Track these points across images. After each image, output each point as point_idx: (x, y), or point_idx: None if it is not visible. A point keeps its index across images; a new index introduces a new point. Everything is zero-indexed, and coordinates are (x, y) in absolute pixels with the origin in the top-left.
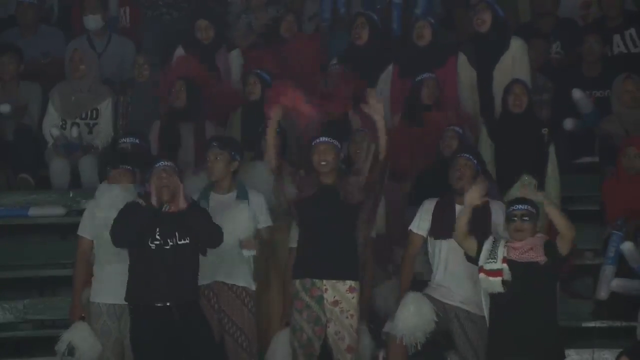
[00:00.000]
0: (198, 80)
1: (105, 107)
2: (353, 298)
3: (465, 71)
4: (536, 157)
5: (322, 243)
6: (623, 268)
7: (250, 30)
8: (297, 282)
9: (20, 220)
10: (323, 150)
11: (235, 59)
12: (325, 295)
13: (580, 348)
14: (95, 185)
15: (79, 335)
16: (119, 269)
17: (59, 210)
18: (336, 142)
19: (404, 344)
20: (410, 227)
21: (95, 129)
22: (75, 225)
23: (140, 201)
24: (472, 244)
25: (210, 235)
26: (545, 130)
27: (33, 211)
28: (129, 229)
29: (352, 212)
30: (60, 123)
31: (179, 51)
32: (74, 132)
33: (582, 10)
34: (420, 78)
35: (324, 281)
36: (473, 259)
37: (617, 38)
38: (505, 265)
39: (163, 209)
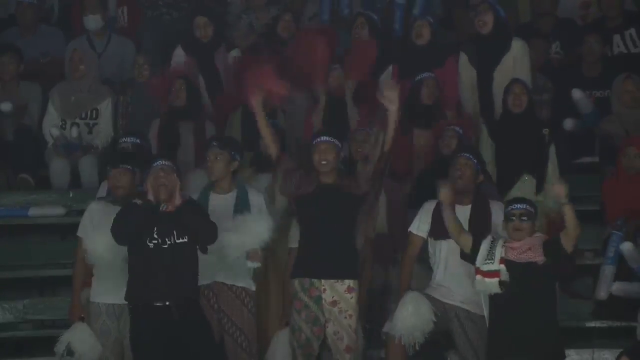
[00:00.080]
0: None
1: (105, 107)
2: (352, 298)
3: (466, 71)
4: (536, 157)
5: (320, 242)
6: (623, 269)
7: (250, 30)
8: (296, 282)
9: (20, 220)
10: (324, 149)
11: (234, 59)
12: (323, 296)
13: (580, 348)
14: (95, 185)
15: (78, 337)
16: (119, 268)
17: (59, 210)
18: (337, 142)
19: (402, 343)
20: (410, 229)
21: (95, 129)
22: (75, 225)
23: (138, 201)
24: (467, 240)
25: (204, 231)
26: (546, 131)
27: (33, 211)
28: (128, 226)
29: (352, 210)
30: (60, 123)
31: (178, 51)
32: (74, 132)
33: (581, 10)
34: (419, 78)
35: (322, 281)
36: (468, 257)
37: (617, 38)
38: (502, 266)
39: (160, 208)
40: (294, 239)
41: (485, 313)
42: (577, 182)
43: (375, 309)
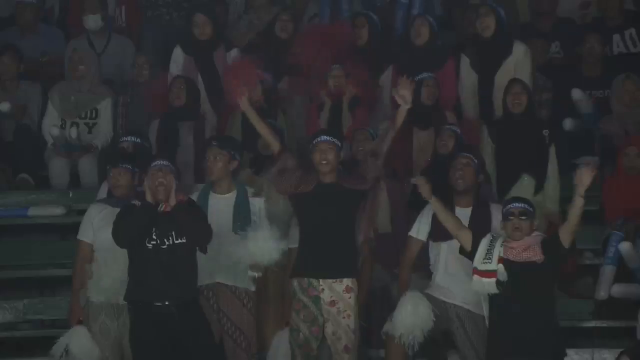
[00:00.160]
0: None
1: (105, 107)
2: (350, 298)
3: (468, 75)
4: (536, 158)
5: (319, 242)
6: (624, 269)
7: (250, 30)
8: (295, 282)
9: (20, 220)
10: (324, 149)
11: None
12: (322, 296)
13: (580, 348)
14: (94, 185)
15: (76, 340)
16: (118, 268)
17: (59, 210)
18: (337, 142)
19: (402, 343)
20: (410, 233)
21: (94, 128)
22: (75, 225)
23: (137, 202)
24: (466, 235)
25: (196, 232)
26: (546, 132)
27: (33, 211)
28: (129, 229)
29: (351, 210)
30: (60, 123)
31: (177, 50)
32: (73, 132)
33: (581, 10)
34: (419, 78)
35: (321, 281)
36: (467, 254)
37: (617, 38)
38: (500, 266)
39: (159, 208)
40: (293, 239)
41: (485, 313)
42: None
43: (376, 309)
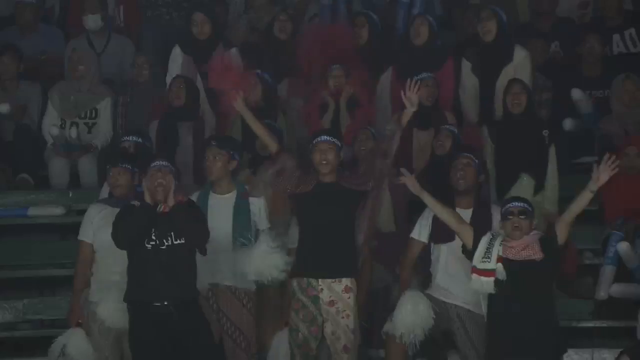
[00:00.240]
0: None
1: (105, 107)
2: (349, 298)
3: (469, 80)
4: (536, 158)
5: (318, 242)
6: (623, 269)
7: (249, 29)
8: (294, 282)
9: (20, 220)
10: (324, 149)
11: (233, 58)
12: (321, 296)
13: (580, 348)
14: (94, 185)
15: (73, 342)
16: (118, 268)
17: (59, 210)
18: (337, 142)
19: (402, 342)
20: (411, 235)
21: (94, 128)
22: (75, 225)
23: (136, 202)
24: (467, 231)
25: (191, 233)
26: (546, 132)
27: (32, 211)
28: (129, 230)
29: (351, 210)
30: (60, 123)
31: (176, 50)
32: (73, 133)
33: (580, 9)
34: (419, 78)
35: (320, 281)
36: (469, 254)
37: (617, 38)
38: (499, 265)
39: (158, 209)
40: (293, 239)
41: (485, 313)
42: (577, 182)
43: (378, 310)
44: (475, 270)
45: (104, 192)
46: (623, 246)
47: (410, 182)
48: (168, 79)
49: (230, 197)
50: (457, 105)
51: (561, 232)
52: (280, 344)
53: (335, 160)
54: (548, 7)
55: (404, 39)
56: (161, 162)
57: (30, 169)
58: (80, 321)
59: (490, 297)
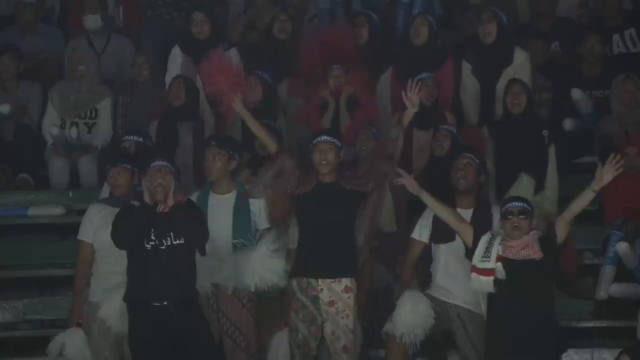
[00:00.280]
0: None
1: (105, 107)
2: (349, 298)
3: (470, 81)
4: (536, 158)
5: (318, 242)
6: (623, 269)
7: (248, 29)
8: (294, 282)
9: (20, 220)
10: (324, 149)
11: (232, 58)
12: (320, 296)
13: (580, 348)
14: (94, 185)
15: (71, 342)
16: (118, 268)
17: (59, 210)
18: (337, 142)
19: (403, 342)
20: (412, 235)
21: (94, 128)
22: (75, 225)
23: (135, 202)
24: (467, 230)
25: (191, 234)
26: (546, 132)
27: (32, 211)
28: (128, 230)
29: (351, 210)
30: (60, 123)
31: (176, 50)
32: (73, 133)
33: (579, 9)
34: (418, 78)
35: (320, 281)
36: (471, 254)
37: (617, 38)
38: (499, 265)
39: (157, 209)
40: (293, 240)
41: (484, 312)
42: (577, 182)
43: (379, 310)
44: (474, 269)
45: (104, 192)
46: (622, 246)
47: (408, 182)
48: (168, 79)
49: (230, 197)
50: (458, 106)
51: (560, 231)
52: (280, 344)
53: (335, 160)
54: (548, 7)
55: (404, 39)
56: (161, 162)
57: (30, 169)
58: (80, 321)
59: (490, 296)
